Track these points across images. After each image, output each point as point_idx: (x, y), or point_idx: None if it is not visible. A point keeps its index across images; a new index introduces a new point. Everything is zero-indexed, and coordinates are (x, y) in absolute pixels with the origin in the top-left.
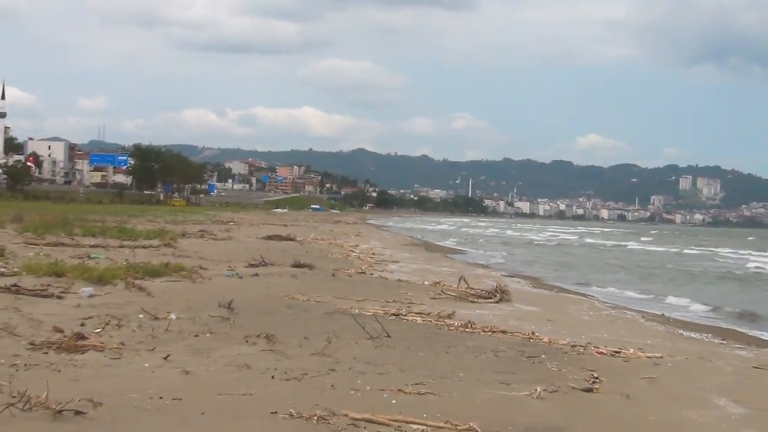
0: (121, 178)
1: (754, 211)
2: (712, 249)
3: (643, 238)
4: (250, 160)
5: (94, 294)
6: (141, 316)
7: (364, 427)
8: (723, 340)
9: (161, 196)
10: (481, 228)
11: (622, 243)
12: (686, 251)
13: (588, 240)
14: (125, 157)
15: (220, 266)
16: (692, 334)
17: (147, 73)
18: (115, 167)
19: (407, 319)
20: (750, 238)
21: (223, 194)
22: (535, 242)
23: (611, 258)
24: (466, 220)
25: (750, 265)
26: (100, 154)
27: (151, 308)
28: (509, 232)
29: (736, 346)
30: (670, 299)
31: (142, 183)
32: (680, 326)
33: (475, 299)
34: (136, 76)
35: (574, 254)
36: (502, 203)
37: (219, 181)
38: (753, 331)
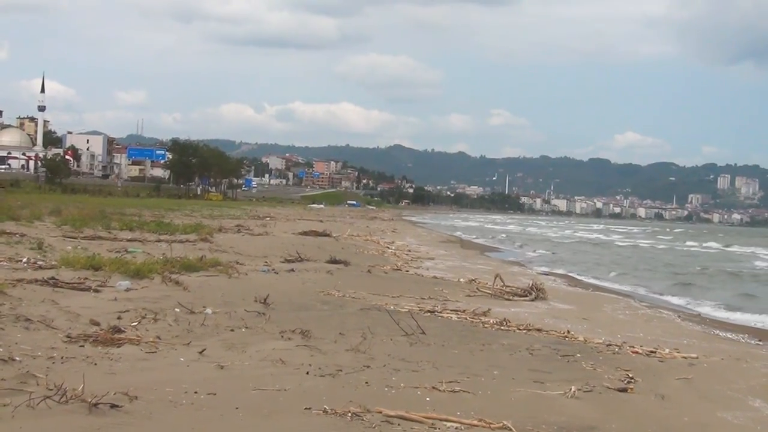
0: (158, 172)
1: None
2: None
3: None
4: (287, 155)
5: (131, 288)
6: (177, 310)
7: (398, 424)
8: (760, 341)
9: (198, 191)
10: (500, 224)
11: (638, 241)
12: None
13: (599, 236)
14: (163, 152)
15: (256, 261)
16: (728, 335)
17: (185, 67)
18: (152, 161)
19: (442, 317)
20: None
21: (260, 189)
22: (553, 239)
23: (608, 254)
24: (495, 217)
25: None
26: (138, 148)
27: (187, 302)
28: (531, 229)
29: None
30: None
31: (179, 177)
32: (716, 326)
33: (511, 297)
34: (174, 70)
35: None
36: (538, 200)
37: (256, 176)
38: None
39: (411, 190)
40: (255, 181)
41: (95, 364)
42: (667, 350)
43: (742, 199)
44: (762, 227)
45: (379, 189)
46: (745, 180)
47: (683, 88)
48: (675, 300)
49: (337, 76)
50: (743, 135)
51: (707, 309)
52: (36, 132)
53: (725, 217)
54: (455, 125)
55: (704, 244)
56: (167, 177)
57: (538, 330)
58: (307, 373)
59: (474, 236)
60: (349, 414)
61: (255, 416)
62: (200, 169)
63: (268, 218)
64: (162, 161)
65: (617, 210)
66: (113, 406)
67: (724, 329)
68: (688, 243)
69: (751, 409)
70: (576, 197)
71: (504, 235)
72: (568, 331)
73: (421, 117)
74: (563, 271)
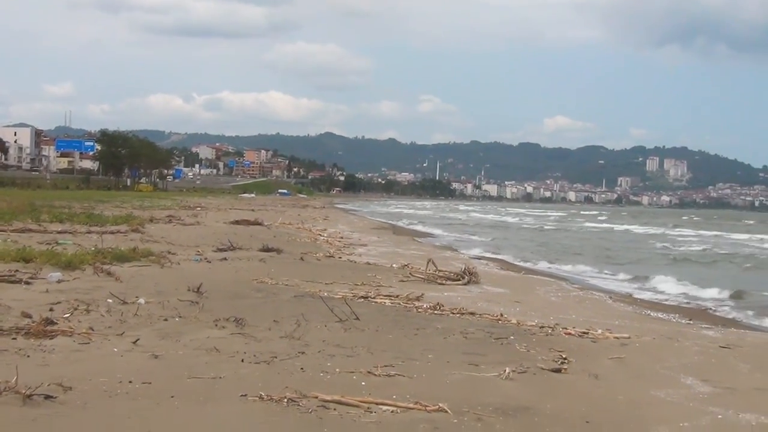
0: (87, 164)
1: (720, 191)
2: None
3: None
4: (217, 144)
5: (63, 279)
6: (110, 300)
7: (335, 409)
8: (690, 320)
9: (128, 182)
10: (428, 210)
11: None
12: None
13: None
14: (92, 143)
15: (188, 251)
16: (659, 315)
17: (112, 58)
18: (81, 153)
19: (376, 302)
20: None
21: (191, 179)
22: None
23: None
24: (422, 203)
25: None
26: (67, 140)
27: (119, 293)
28: (451, 214)
29: (703, 326)
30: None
31: (108, 169)
32: (648, 307)
33: (444, 281)
34: (101, 61)
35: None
36: (469, 186)
37: (186, 166)
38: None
39: (342, 178)
40: (185, 172)
41: (28, 356)
42: (599, 331)
43: (671, 181)
44: (691, 209)
45: (310, 177)
46: (674, 162)
47: (611, 71)
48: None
49: (266, 64)
50: (671, 117)
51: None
52: None
53: (654, 199)
54: (385, 112)
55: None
56: (96, 169)
57: (472, 314)
58: (242, 360)
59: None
60: (286, 400)
61: (191, 404)
62: (130, 160)
63: (199, 208)
64: (91, 153)
65: (548, 194)
66: (47, 397)
67: (655, 309)
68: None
69: (684, 387)
70: (507, 182)
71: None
72: (502, 314)
73: (351, 104)
74: (492, 254)
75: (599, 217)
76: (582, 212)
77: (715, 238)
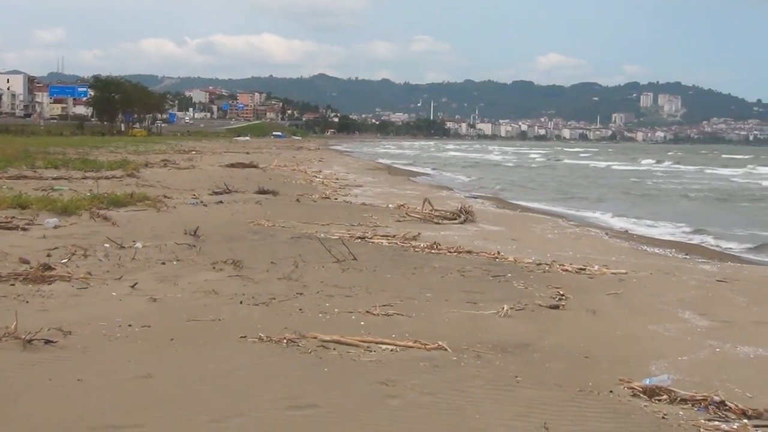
0: (81, 110)
1: (714, 126)
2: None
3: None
4: (210, 88)
5: (59, 225)
6: (107, 245)
7: (334, 349)
8: (687, 254)
9: (122, 127)
10: (416, 150)
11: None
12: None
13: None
14: (85, 89)
15: (184, 195)
16: (656, 250)
17: (104, 2)
18: (75, 99)
19: (373, 242)
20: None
21: (186, 123)
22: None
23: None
24: (410, 143)
25: None
26: (60, 86)
27: (116, 237)
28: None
29: (700, 260)
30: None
31: (102, 114)
32: (644, 242)
33: (440, 221)
34: (92, 5)
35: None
36: (464, 125)
37: (180, 110)
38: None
39: (336, 120)
40: (179, 116)
41: (27, 302)
42: (596, 267)
43: (665, 116)
44: (685, 143)
45: (304, 119)
46: (668, 97)
47: (603, 7)
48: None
49: (258, 6)
50: (664, 52)
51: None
52: None
53: (649, 135)
54: (378, 53)
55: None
56: (90, 114)
57: (469, 252)
58: (241, 302)
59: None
60: (285, 341)
61: (190, 346)
62: (123, 105)
63: (194, 152)
64: (84, 99)
65: (542, 132)
66: (47, 341)
67: (651, 245)
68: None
69: (681, 321)
70: (501, 121)
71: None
72: (499, 252)
73: (344, 46)
74: (489, 193)
75: (582, 154)
76: (566, 149)
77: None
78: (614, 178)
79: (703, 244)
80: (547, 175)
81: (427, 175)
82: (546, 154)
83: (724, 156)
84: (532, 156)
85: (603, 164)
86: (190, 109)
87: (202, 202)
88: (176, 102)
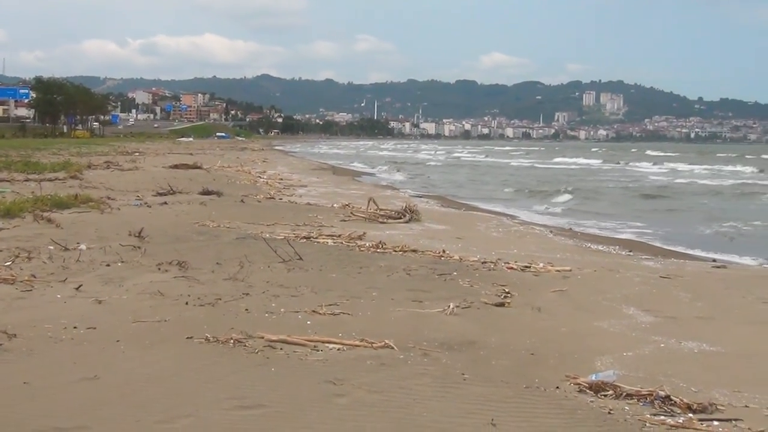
0: (23, 112)
1: (656, 124)
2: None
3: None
4: (153, 89)
5: (2, 227)
6: (51, 247)
7: (281, 348)
8: (630, 251)
9: (65, 129)
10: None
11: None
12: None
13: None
14: (26, 91)
15: (128, 196)
16: (600, 247)
17: (45, 2)
18: (16, 101)
19: (318, 242)
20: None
21: (128, 125)
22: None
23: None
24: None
25: None
26: (1, 88)
27: (60, 240)
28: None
29: (643, 257)
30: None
31: (44, 116)
32: (588, 239)
33: (385, 220)
34: (33, 6)
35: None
36: (407, 125)
37: (123, 111)
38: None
39: (280, 120)
40: (122, 117)
41: None
42: (541, 264)
43: (608, 115)
44: (627, 141)
45: (247, 120)
46: (610, 96)
47: (546, 6)
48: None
49: (200, 6)
50: (606, 51)
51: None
52: None
53: (592, 133)
54: (321, 53)
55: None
56: (32, 116)
57: (414, 251)
58: (187, 303)
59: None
60: (232, 341)
61: (136, 347)
62: (66, 107)
63: (137, 153)
64: (26, 100)
65: (486, 131)
66: None
67: (595, 242)
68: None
69: (626, 317)
70: (444, 120)
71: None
72: (444, 251)
73: (287, 46)
74: (432, 192)
75: (513, 153)
76: (496, 148)
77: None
78: (525, 176)
79: (636, 239)
80: (460, 173)
81: (372, 174)
82: (475, 152)
83: (649, 152)
84: (456, 155)
85: (527, 162)
86: (133, 111)
87: (146, 203)
88: (119, 103)
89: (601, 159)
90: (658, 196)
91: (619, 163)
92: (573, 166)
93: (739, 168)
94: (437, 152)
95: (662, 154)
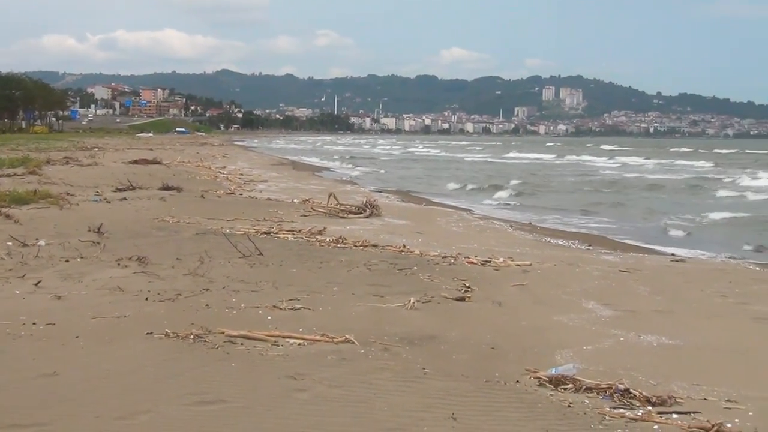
0: None
1: (615, 119)
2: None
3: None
4: (112, 84)
5: None
6: (9, 243)
7: (241, 344)
8: (590, 245)
9: (23, 125)
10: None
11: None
12: None
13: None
14: None
15: (87, 192)
16: (560, 242)
17: None
18: None
19: (279, 237)
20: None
21: (87, 120)
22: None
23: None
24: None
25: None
26: None
27: (19, 235)
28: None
29: (603, 251)
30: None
31: (2, 112)
32: (548, 234)
33: (346, 215)
34: None
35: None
36: (368, 120)
37: (82, 107)
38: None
39: (240, 115)
40: (81, 113)
41: None
42: (501, 259)
43: (567, 109)
44: (586, 137)
45: (207, 115)
46: (570, 91)
47: (505, 1)
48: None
49: (160, 1)
50: (566, 46)
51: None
52: None
53: (551, 128)
54: (282, 48)
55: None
56: None
57: (375, 246)
58: (146, 299)
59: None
60: (192, 336)
61: (96, 343)
62: (24, 102)
63: (96, 149)
64: None
65: (446, 126)
66: None
67: (555, 236)
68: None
69: (586, 311)
70: (405, 115)
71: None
72: (404, 246)
73: (247, 41)
74: (395, 187)
75: (468, 147)
76: (452, 143)
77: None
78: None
79: (602, 235)
80: (414, 168)
81: (332, 169)
82: (430, 147)
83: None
84: (411, 150)
85: (480, 157)
86: (92, 106)
87: (105, 198)
88: (78, 99)
89: (556, 153)
90: (605, 190)
91: (564, 157)
92: (525, 161)
93: (691, 162)
94: (393, 147)
95: (618, 148)
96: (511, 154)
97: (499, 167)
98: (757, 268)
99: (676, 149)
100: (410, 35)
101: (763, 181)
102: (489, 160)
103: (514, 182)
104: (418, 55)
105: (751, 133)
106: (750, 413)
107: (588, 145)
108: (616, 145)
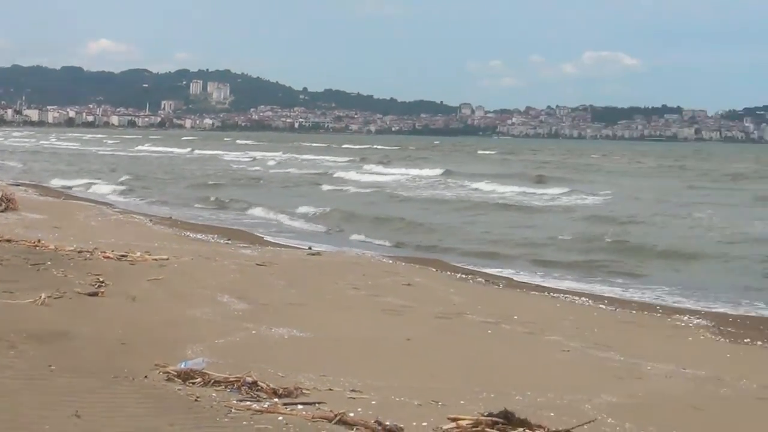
0: None
1: (262, 114)
2: None
3: None
4: None
5: None
6: None
7: None
8: (229, 239)
9: None
10: None
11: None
12: None
13: None
14: None
15: None
16: (199, 236)
17: None
18: None
19: None
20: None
21: None
22: None
23: None
24: None
25: None
26: None
27: None
28: None
29: (241, 245)
30: None
31: None
32: (188, 228)
33: None
34: None
35: None
36: (10, 111)
37: None
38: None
39: None
40: None
41: None
42: (138, 253)
43: (214, 104)
44: (233, 131)
45: None
46: (217, 85)
47: None
48: None
49: None
50: (214, 41)
51: None
52: None
53: (198, 122)
54: None
55: None
56: None
57: (8, 241)
58: None
59: None
60: None
61: None
62: None
63: None
64: None
65: (91, 119)
66: None
67: (195, 231)
68: None
69: (221, 305)
70: (49, 107)
71: None
72: (39, 240)
73: None
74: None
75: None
76: (86, 136)
77: None
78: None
79: (244, 230)
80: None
81: None
82: (65, 140)
83: (239, 142)
84: (42, 143)
85: (109, 150)
86: None
87: None
88: None
89: (190, 148)
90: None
91: (194, 151)
92: (156, 155)
93: (321, 157)
94: (31, 140)
95: (252, 143)
96: (140, 147)
97: (123, 160)
98: (390, 261)
99: (308, 144)
100: (57, 25)
101: (366, 176)
102: (117, 153)
103: (125, 177)
104: (64, 46)
105: (393, 129)
106: (373, 402)
107: (226, 139)
108: (252, 140)
